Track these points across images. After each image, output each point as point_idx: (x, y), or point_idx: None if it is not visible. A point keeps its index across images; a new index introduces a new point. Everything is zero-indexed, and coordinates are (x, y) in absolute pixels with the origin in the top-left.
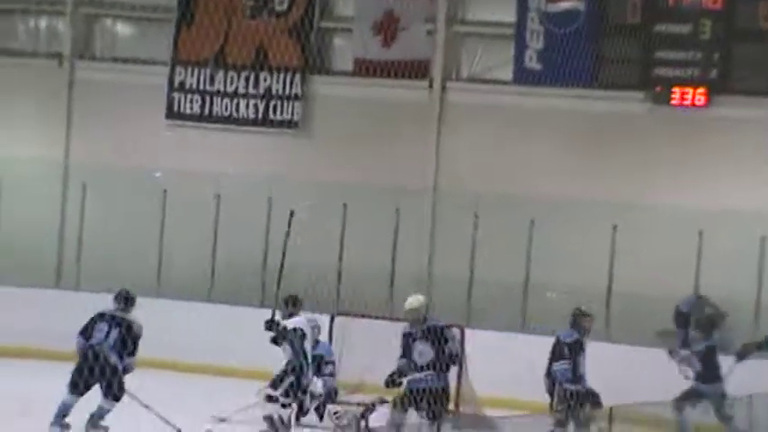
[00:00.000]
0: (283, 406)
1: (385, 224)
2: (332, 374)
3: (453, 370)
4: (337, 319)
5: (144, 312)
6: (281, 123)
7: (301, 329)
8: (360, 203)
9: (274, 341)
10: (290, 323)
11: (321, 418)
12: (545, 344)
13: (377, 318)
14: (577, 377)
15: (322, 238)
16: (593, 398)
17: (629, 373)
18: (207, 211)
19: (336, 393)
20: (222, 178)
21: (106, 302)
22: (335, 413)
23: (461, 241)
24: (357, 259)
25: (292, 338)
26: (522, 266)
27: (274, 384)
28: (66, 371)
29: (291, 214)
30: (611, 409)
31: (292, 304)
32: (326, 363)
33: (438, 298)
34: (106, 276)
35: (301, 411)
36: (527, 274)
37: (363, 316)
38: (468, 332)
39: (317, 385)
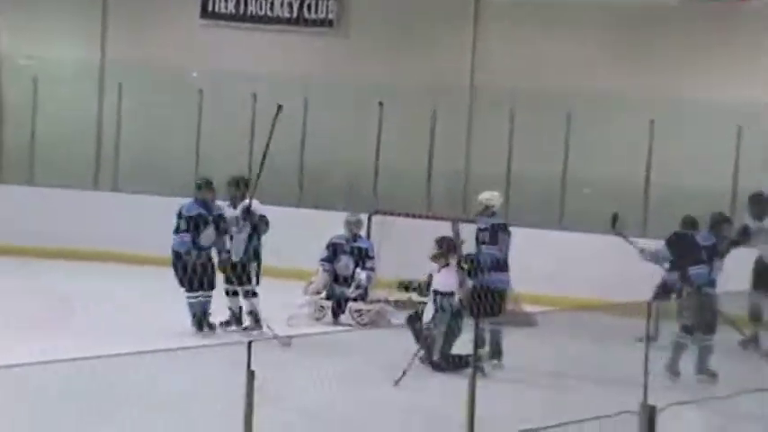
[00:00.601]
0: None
1: (421, 123)
2: (372, 269)
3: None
4: (375, 218)
5: None
6: (316, 22)
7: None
8: (396, 102)
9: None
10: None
11: (343, 312)
12: (581, 240)
13: (414, 216)
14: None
15: (359, 137)
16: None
17: None
18: (243, 111)
19: (367, 292)
20: (258, 78)
21: (143, 203)
22: (358, 311)
23: (498, 138)
24: (394, 158)
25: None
26: (559, 162)
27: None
28: (105, 271)
29: (279, 109)
30: (649, 303)
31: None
32: (369, 257)
33: (475, 195)
34: (143, 177)
35: (339, 308)
36: (564, 169)
37: (401, 214)
38: None
39: (362, 276)
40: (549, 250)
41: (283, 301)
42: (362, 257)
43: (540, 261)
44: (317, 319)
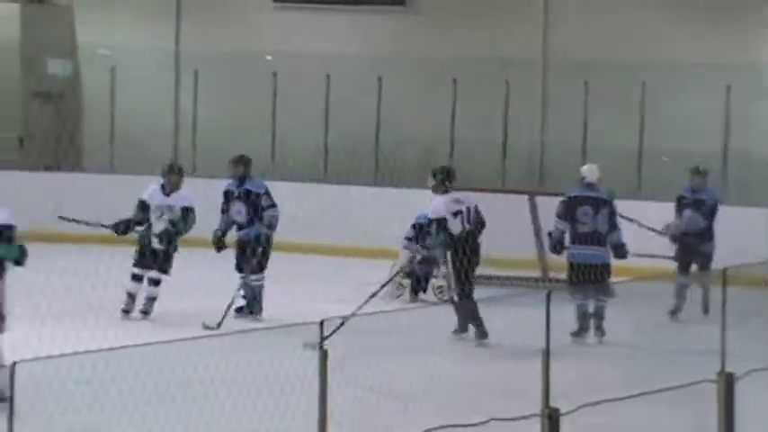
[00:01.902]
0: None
1: (495, 96)
2: None
3: None
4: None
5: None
6: (387, 2)
7: None
8: (469, 77)
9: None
10: None
11: (424, 290)
12: (660, 209)
13: (491, 191)
14: None
15: (433, 113)
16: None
17: (745, 233)
18: (317, 92)
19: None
20: (331, 59)
21: (221, 187)
22: (439, 287)
23: (573, 110)
24: (469, 133)
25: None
26: (635, 133)
27: None
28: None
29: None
30: (724, 270)
31: None
32: None
33: (551, 168)
34: (221, 162)
35: (419, 285)
36: (640, 139)
37: (476, 189)
38: None
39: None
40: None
41: (365, 279)
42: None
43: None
44: (397, 297)
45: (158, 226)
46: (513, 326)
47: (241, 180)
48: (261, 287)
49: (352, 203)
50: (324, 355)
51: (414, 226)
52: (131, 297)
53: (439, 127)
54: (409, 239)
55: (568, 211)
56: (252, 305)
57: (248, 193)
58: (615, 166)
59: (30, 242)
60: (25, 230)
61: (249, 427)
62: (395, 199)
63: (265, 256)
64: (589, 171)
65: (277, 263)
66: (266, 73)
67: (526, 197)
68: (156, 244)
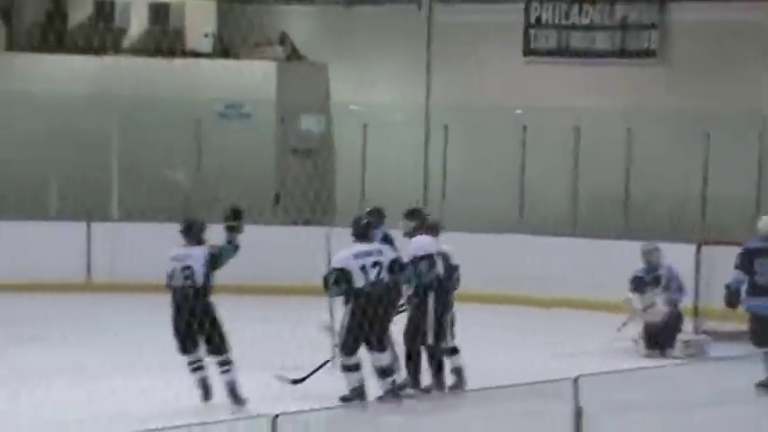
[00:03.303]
0: None
1: (747, 150)
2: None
3: None
4: (704, 248)
5: (506, 247)
6: (639, 53)
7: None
8: (720, 129)
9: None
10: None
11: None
12: None
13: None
14: None
15: (684, 166)
16: None
17: None
18: (566, 146)
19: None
20: (580, 112)
21: (469, 241)
22: (686, 342)
23: None
24: (721, 187)
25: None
26: None
27: None
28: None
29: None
30: None
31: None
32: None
33: None
34: (470, 214)
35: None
36: None
37: (730, 243)
38: None
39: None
40: None
41: (613, 334)
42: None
43: None
44: (646, 356)
45: None
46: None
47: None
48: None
49: (600, 257)
50: (578, 412)
51: (632, 281)
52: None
53: (690, 180)
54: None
55: (744, 263)
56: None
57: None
58: None
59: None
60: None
61: None
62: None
63: None
64: (764, 223)
65: (526, 316)
66: (516, 126)
67: None
68: None
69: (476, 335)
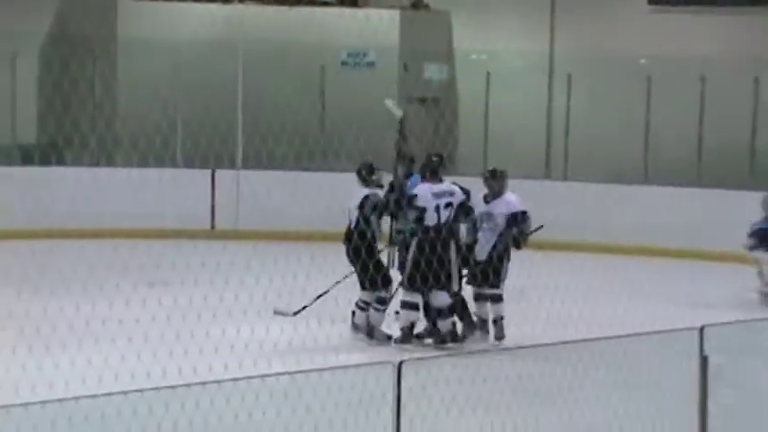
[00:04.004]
0: None
1: None
2: None
3: None
4: None
5: (631, 199)
6: (766, 1)
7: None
8: None
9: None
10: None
11: None
12: None
13: None
14: None
15: None
16: None
17: None
18: (691, 96)
19: None
20: (706, 61)
21: (591, 191)
22: None
23: None
24: None
25: None
26: None
27: None
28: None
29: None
30: None
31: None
32: None
33: None
34: (593, 165)
35: None
36: None
37: None
38: None
39: None
40: None
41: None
42: None
43: None
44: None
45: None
46: None
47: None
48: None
49: (726, 208)
50: (704, 362)
51: (751, 234)
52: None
53: None
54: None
55: None
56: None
57: None
58: None
59: None
60: None
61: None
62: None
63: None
64: None
65: (651, 267)
66: (640, 77)
67: None
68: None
69: (600, 285)
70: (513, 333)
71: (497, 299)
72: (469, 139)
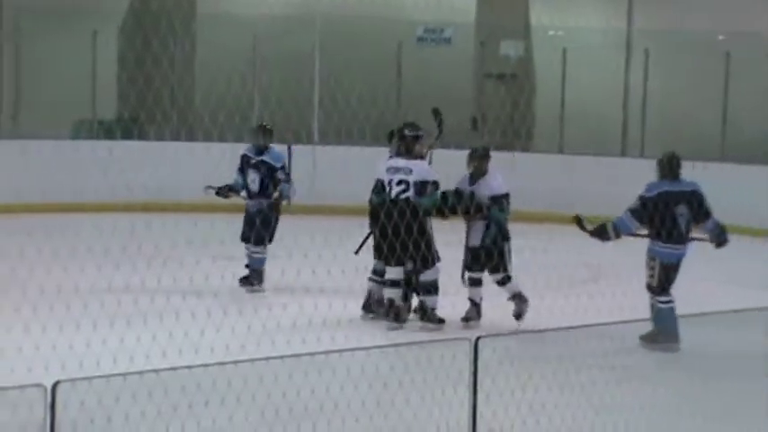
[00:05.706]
0: None
1: None
2: None
3: None
4: None
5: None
6: None
7: None
8: None
9: None
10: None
11: None
12: None
13: None
14: None
15: None
16: None
17: None
18: None
19: None
20: None
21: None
22: None
23: None
24: None
25: None
26: None
27: None
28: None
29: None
30: None
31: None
32: None
33: None
34: (670, 141)
35: None
36: None
37: None
38: None
39: None
40: None
41: None
42: None
43: None
44: None
45: None
46: None
47: (259, 150)
48: (260, 260)
49: None
50: None
51: None
52: None
53: None
54: None
55: None
56: (252, 276)
57: (264, 163)
58: None
59: None
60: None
61: None
62: None
63: (269, 229)
64: None
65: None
66: (718, 53)
67: None
68: None
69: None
70: (590, 310)
71: (503, 281)
72: (546, 116)
